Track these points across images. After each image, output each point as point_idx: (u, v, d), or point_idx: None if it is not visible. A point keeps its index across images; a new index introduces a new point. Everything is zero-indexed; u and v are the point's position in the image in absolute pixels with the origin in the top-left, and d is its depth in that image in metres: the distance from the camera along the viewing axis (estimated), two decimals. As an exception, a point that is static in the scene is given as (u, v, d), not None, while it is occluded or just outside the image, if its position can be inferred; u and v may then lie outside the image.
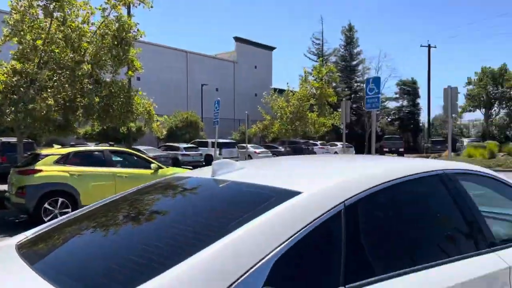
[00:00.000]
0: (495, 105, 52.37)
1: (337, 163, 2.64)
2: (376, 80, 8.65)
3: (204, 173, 2.33)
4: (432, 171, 2.16)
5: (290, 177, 2.11)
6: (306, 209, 1.60)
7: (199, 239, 1.55)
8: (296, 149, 29.47)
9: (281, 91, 25.87)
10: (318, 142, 36.00)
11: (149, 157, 12.54)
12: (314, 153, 31.02)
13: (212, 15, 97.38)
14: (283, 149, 29.61)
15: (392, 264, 1.70)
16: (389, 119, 51.71)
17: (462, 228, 2.15)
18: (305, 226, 1.52)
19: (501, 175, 2.63)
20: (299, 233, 1.49)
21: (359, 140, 42.18)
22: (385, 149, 38.87)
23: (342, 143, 13.89)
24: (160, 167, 9.75)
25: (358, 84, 49.02)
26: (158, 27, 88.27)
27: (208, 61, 47.47)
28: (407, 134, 49.56)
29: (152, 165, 9.63)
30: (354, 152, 37.06)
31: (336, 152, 35.00)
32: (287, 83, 24.60)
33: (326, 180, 1.88)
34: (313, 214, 1.58)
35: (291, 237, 1.47)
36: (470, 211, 2.15)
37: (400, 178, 1.97)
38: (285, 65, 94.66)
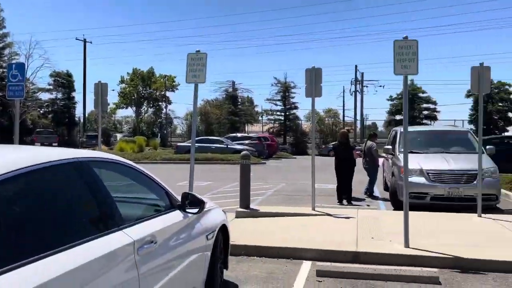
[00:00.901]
0: (144, 104, 58.59)
1: None
2: (20, 66, 7.99)
3: None
4: (66, 159, 2.18)
5: None
6: None
7: None
8: None
9: None
10: None
11: None
12: None
13: None
14: None
15: (19, 254, 1.62)
16: (42, 112, 48.24)
17: (92, 211, 2.28)
18: None
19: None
20: None
21: (7, 133, 37.38)
22: (37, 143, 36.39)
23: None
24: None
25: (4, 70, 43.14)
26: None
27: None
28: (62, 128, 47.83)
29: None
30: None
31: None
32: None
33: None
34: None
35: None
36: (101, 196, 2.31)
37: (30, 166, 1.88)
38: None
